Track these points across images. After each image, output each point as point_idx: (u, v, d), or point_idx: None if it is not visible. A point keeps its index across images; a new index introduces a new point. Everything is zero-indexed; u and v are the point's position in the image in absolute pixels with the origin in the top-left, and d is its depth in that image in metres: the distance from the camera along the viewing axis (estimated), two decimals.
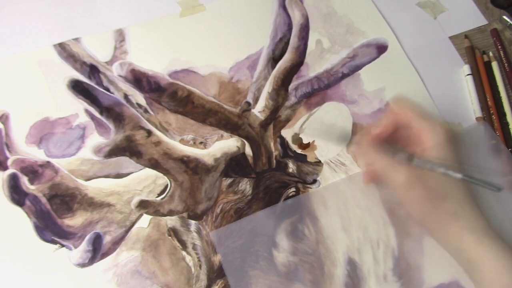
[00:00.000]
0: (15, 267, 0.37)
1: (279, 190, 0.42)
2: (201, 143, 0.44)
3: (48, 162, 0.40)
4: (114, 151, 0.38)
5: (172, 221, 0.40)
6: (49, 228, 0.38)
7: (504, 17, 0.55)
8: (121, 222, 0.39)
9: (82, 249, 0.38)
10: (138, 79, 0.41)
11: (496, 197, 0.43)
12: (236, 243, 0.39)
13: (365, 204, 0.43)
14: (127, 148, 0.39)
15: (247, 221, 0.40)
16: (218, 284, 0.38)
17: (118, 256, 0.38)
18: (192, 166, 0.40)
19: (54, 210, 0.38)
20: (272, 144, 0.44)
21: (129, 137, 0.39)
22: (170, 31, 0.49)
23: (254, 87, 0.47)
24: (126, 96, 0.43)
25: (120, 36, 0.47)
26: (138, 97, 0.44)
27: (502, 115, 0.49)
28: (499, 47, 0.53)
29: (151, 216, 0.40)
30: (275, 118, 0.45)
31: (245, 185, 0.42)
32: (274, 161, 0.44)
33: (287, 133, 0.45)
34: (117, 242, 0.39)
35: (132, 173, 0.41)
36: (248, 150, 0.43)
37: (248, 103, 0.44)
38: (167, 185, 0.40)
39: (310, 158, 0.44)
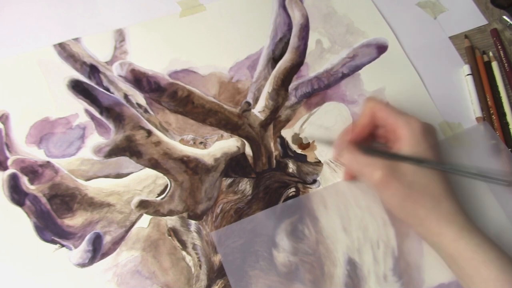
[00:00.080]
0: (15, 267, 0.37)
1: (279, 190, 0.42)
2: (201, 143, 0.44)
3: (48, 162, 0.40)
4: (114, 151, 0.38)
5: (172, 221, 0.40)
6: (49, 228, 0.38)
7: (504, 17, 0.55)
8: (121, 222, 0.39)
9: (82, 249, 0.38)
10: (138, 79, 0.41)
11: (477, 189, 0.44)
12: (236, 243, 0.39)
13: (365, 204, 0.43)
14: (127, 148, 0.39)
15: (247, 221, 0.40)
16: (218, 284, 0.38)
17: (118, 256, 0.38)
18: (192, 166, 0.40)
19: (54, 210, 0.38)
20: (272, 144, 0.44)
21: (129, 137, 0.39)
22: (170, 31, 0.49)
23: (254, 87, 0.47)
24: (126, 96, 0.43)
25: (120, 36, 0.47)
26: (138, 97, 0.44)
27: (502, 115, 0.49)
28: (499, 47, 0.53)
29: (151, 216, 0.40)
30: (275, 118, 0.45)
31: (245, 185, 0.42)
32: (274, 161, 0.44)
33: (287, 133, 0.45)
34: (117, 242, 0.39)
35: (132, 173, 0.41)
36: (248, 150, 0.43)
37: (248, 103, 0.44)
38: (167, 185, 0.40)
39: (310, 158, 0.44)
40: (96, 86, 0.42)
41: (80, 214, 0.39)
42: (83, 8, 0.49)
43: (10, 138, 0.41)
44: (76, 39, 0.46)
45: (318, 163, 0.44)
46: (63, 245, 0.38)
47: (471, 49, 0.52)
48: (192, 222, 0.40)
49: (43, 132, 0.42)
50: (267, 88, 0.45)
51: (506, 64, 0.52)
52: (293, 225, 0.41)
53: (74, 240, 0.38)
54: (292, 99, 0.46)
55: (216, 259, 0.39)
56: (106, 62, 0.45)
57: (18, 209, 0.38)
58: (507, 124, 0.49)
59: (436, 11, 0.55)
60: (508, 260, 0.34)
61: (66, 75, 0.43)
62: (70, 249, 0.38)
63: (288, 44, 0.48)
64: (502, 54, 0.53)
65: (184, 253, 0.39)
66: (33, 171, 0.39)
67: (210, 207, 0.41)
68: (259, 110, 0.44)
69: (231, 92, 0.46)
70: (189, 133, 0.44)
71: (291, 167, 0.44)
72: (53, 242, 0.38)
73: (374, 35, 0.52)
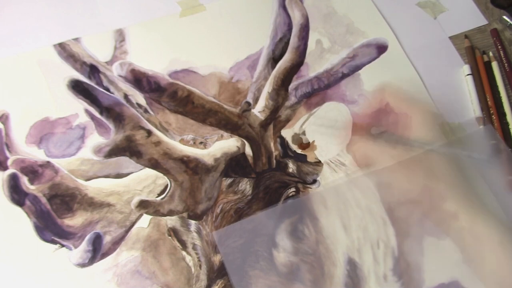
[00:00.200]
0: (15, 267, 0.37)
1: (279, 190, 0.42)
2: (201, 143, 0.44)
3: (48, 162, 0.39)
4: (114, 151, 0.38)
5: (172, 221, 0.40)
6: (49, 228, 0.38)
7: (504, 17, 0.55)
8: (121, 222, 0.39)
9: (82, 249, 0.38)
10: (138, 79, 0.41)
11: (490, 189, 0.44)
12: (236, 243, 0.39)
13: (365, 204, 0.43)
14: (127, 148, 0.39)
15: (248, 221, 0.40)
16: (218, 284, 0.38)
17: (118, 256, 0.38)
18: (192, 166, 0.40)
19: (54, 210, 0.38)
20: (272, 144, 0.44)
21: (129, 137, 0.39)
22: (170, 31, 0.49)
23: (254, 87, 0.47)
24: (126, 96, 0.43)
25: (120, 36, 0.47)
26: (138, 97, 0.44)
27: (502, 115, 0.49)
28: (499, 47, 0.53)
29: (151, 216, 0.40)
30: (275, 118, 0.45)
31: (245, 185, 0.42)
32: (274, 161, 0.44)
33: (287, 133, 0.45)
34: (117, 242, 0.39)
35: (132, 173, 0.41)
36: (248, 150, 0.43)
37: (248, 103, 0.44)
38: (167, 185, 0.40)
39: (310, 158, 0.44)
40: (96, 86, 0.42)
41: (80, 214, 0.39)
42: (83, 8, 0.49)
43: (10, 138, 0.41)
44: (76, 39, 0.46)
45: (318, 163, 0.44)
46: (63, 245, 0.38)
47: (471, 49, 0.52)
48: (192, 222, 0.40)
49: (43, 132, 0.42)
50: (267, 88, 0.45)
51: (506, 64, 0.52)
52: (293, 225, 0.41)
53: (74, 240, 0.38)
54: (292, 99, 0.46)
55: (216, 259, 0.39)
56: (106, 62, 0.46)
57: (18, 209, 0.38)
58: (507, 124, 0.49)
59: (436, 11, 0.55)
60: None
61: (66, 75, 0.43)
62: (70, 249, 0.38)
63: (288, 44, 0.48)
64: (502, 54, 0.53)
65: (184, 253, 0.39)
66: (33, 171, 0.39)
67: (210, 207, 0.41)
68: (259, 110, 0.44)
69: (231, 92, 0.46)
70: (189, 133, 0.44)
71: (291, 167, 0.44)
72: (53, 242, 0.38)
73: (374, 35, 0.52)
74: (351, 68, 0.49)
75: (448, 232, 0.38)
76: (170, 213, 0.39)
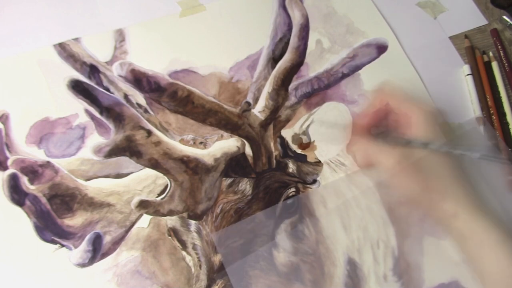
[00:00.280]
0: (15, 267, 0.37)
1: (279, 190, 0.42)
2: (201, 143, 0.44)
3: (48, 162, 0.39)
4: (114, 151, 0.38)
5: (172, 221, 0.40)
6: (49, 228, 0.38)
7: (504, 17, 0.55)
8: (121, 222, 0.39)
9: (82, 249, 0.37)
10: (138, 79, 0.41)
11: (490, 188, 0.44)
12: (236, 243, 0.39)
13: (365, 204, 0.43)
14: (127, 148, 0.39)
15: (247, 221, 0.40)
16: (218, 284, 0.38)
17: (118, 256, 0.38)
18: (192, 166, 0.40)
19: (54, 210, 0.38)
20: (272, 144, 0.44)
21: (129, 137, 0.39)
22: (170, 31, 0.49)
23: (254, 87, 0.47)
24: (126, 96, 0.43)
25: (120, 36, 0.47)
26: (138, 97, 0.44)
27: (502, 115, 0.49)
28: (499, 47, 0.53)
29: (151, 216, 0.40)
30: (275, 118, 0.45)
31: (245, 185, 0.42)
32: (274, 161, 0.44)
33: (287, 133, 0.45)
34: (117, 242, 0.39)
35: (132, 173, 0.41)
36: (248, 150, 0.43)
37: (248, 103, 0.44)
38: (167, 185, 0.40)
39: (310, 158, 0.44)
40: (96, 86, 0.42)
41: (80, 214, 0.39)
42: (83, 8, 0.49)
43: (10, 138, 0.41)
44: (76, 39, 0.46)
45: (318, 163, 0.44)
46: (63, 245, 0.38)
47: (471, 49, 0.52)
48: (192, 222, 0.40)
49: (43, 132, 0.42)
50: (267, 88, 0.45)
51: (506, 64, 0.52)
52: (293, 225, 0.41)
53: (74, 240, 0.38)
54: (292, 99, 0.46)
55: (216, 259, 0.39)
56: (106, 62, 0.45)
57: (18, 209, 0.38)
58: (507, 124, 0.49)
59: (436, 11, 0.55)
60: None
61: (66, 75, 0.43)
62: (70, 249, 0.38)
63: (288, 44, 0.48)
64: (502, 54, 0.53)
65: (184, 253, 0.39)
66: (33, 171, 0.39)
67: (210, 207, 0.41)
68: (259, 110, 0.44)
69: (231, 92, 0.46)
70: (189, 133, 0.44)
71: (291, 167, 0.44)
72: (53, 242, 0.38)
73: (374, 35, 0.52)
74: (351, 68, 0.49)
75: (448, 232, 0.38)
76: (170, 213, 0.39)
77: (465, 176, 0.38)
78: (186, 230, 0.40)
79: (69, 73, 0.44)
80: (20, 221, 0.38)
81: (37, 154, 0.41)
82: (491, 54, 0.53)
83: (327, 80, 0.48)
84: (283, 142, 0.45)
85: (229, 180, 0.42)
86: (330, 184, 0.43)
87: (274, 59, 0.48)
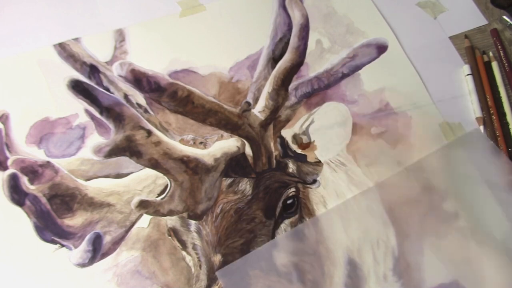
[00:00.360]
0: (15, 267, 0.37)
1: (279, 190, 0.42)
2: (201, 143, 0.44)
3: (48, 162, 0.39)
4: (114, 151, 0.38)
5: (172, 221, 0.40)
6: (49, 228, 0.38)
7: (504, 17, 0.55)
8: (121, 222, 0.39)
9: (82, 249, 0.37)
10: (138, 79, 0.41)
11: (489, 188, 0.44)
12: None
13: (365, 204, 0.43)
14: (127, 148, 0.39)
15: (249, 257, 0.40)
16: (218, 284, 0.38)
17: (118, 256, 0.38)
18: (192, 166, 0.40)
19: (54, 210, 0.38)
20: (272, 144, 0.44)
21: (129, 137, 0.39)
22: (170, 31, 0.49)
23: (254, 87, 0.47)
24: (126, 96, 0.43)
25: (120, 36, 0.47)
26: (138, 97, 0.44)
27: (502, 115, 0.49)
28: (499, 47, 0.53)
29: (151, 216, 0.40)
30: (275, 118, 0.45)
31: (245, 185, 0.42)
32: (274, 161, 0.44)
33: (287, 133, 0.45)
34: (117, 242, 0.39)
35: (132, 173, 0.41)
36: (248, 150, 0.43)
37: (248, 103, 0.44)
38: (167, 185, 0.40)
39: (310, 158, 0.44)
40: (96, 86, 0.41)
41: (80, 214, 0.39)
42: (83, 8, 0.49)
43: (10, 138, 0.41)
44: (76, 39, 0.46)
45: (318, 163, 0.44)
46: (63, 245, 0.38)
47: (471, 49, 0.52)
48: (192, 222, 0.40)
49: (43, 132, 0.42)
50: (267, 88, 0.45)
51: (506, 64, 0.52)
52: (293, 225, 0.41)
53: (74, 240, 0.38)
54: (292, 99, 0.46)
55: (216, 259, 0.39)
56: (106, 62, 0.45)
57: (18, 209, 0.38)
58: (507, 124, 0.49)
59: (436, 11, 0.55)
60: None
61: (66, 75, 0.43)
62: (70, 249, 0.38)
63: (288, 44, 0.48)
64: (502, 54, 0.53)
65: (184, 253, 0.39)
66: (33, 171, 0.39)
67: (210, 207, 0.41)
68: (259, 110, 0.44)
69: (231, 92, 0.46)
70: (189, 133, 0.44)
71: (291, 167, 0.44)
72: (53, 242, 0.38)
73: (374, 35, 0.52)
74: (351, 68, 0.49)
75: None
76: (170, 213, 0.39)
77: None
78: (186, 230, 0.40)
79: (69, 73, 0.44)
80: (20, 221, 0.38)
81: (37, 154, 0.41)
82: (491, 54, 0.53)
83: (327, 80, 0.48)
84: (283, 142, 0.45)
85: (229, 180, 0.42)
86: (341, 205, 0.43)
87: (274, 59, 0.48)
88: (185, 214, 0.40)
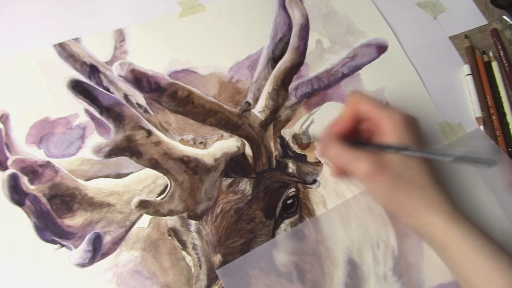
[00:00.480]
0: (15, 267, 0.37)
1: (279, 190, 0.42)
2: (201, 143, 0.44)
3: (48, 162, 0.40)
4: (114, 151, 0.38)
5: (172, 221, 0.40)
6: (49, 228, 0.38)
7: (504, 17, 0.55)
8: (121, 222, 0.39)
9: (82, 249, 0.38)
10: (138, 79, 0.41)
11: (489, 187, 0.44)
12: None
13: (365, 204, 0.43)
14: (127, 148, 0.39)
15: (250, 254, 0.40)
16: (218, 284, 0.38)
17: (118, 256, 0.38)
18: (192, 166, 0.40)
19: (54, 210, 0.38)
20: (272, 144, 0.44)
21: (129, 137, 0.39)
22: (170, 31, 0.49)
23: (254, 87, 0.47)
24: (126, 96, 0.43)
25: (120, 36, 0.47)
26: (138, 97, 0.44)
27: (502, 115, 0.49)
28: (499, 47, 0.53)
29: (151, 216, 0.40)
30: (275, 118, 0.45)
31: (245, 185, 0.42)
32: (274, 161, 0.44)
33: (287, 133, 0.45)
34: (117, 242, 0.39)
35: (132, 173, 0.41)
36: (248, 150, 0.43)
37: (248, 103, 0.44)
38: (167, 185, 0.40)
39: (310, 158, 0.44)
40: (96, 86, 0.42)
41: (80, 214, 0.39)
42: (83, 8, 0.49)
43: (10, 138, 0.41)
44: (76, 39, 0.46)
45: (318, 163, 0.44)
46: (63, 245, 0.38)
47: (471, 49, 0.53)
48: (192, 222, 0.40)
49: (43, 132, 0.42)
50: (267, 88, 0.45)
51: (506, 64, 0.52)
52: (293, 225, 0.41)
53: (74, 240, 0.38)
54: (292, 99, 0.46)
55: (216, 259, 0.39)
56: (106, 62, 0.45)
57: (18, 209, 0.38)
58: (507, 124, 0.49)
59: (436, 11, 0.55)
60: (496, 247, 0.34)
61: (66, 75, 0.43)
62: (70, 249, 0.38)
63: (288, 44, 0.48)
64: (502, 54, 0.53)
65: (184, 253, 0.39)
66: (33, 171, 0.39)
67: (210, 207, 0.41)
68: (259, 110, 0.44)
69: (231, 92, 0.46)
70: (189, 133, 0.44)
71: (291, 167, 0.44)
72: (53, 242, 0.38)
73: (374, 35, 0.52)
74: (351, 68, 0.49)
75: (425, 240, 0.38)
76: (170, 213, 0.39)
77: (441, 182, 0.37)
78: (186, 230, 0.40)
79: (69, 73, 0.44)
80: (20, 221, 0.38)
81: (37, 154, 0.41)
82: (491, 54, 0.53)
83: (327, 80, 0.48)
84: (283, 142, 0.45)
85: (229, 180, 0.42)
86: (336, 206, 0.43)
87: (274, 59, 0.48)
88: (185, 214, 0.40)
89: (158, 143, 0.40)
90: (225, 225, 0.40)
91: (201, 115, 0.43)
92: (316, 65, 0.49)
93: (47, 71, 0.45)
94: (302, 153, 0.45)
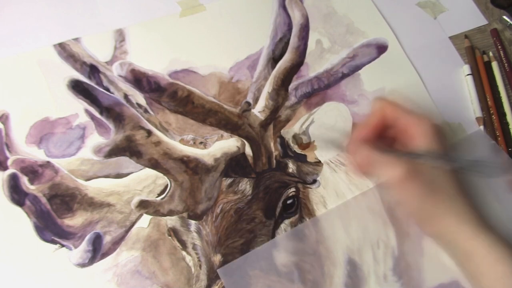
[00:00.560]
0: (15, 267, 0.37)
1: (279, 190, 0.42)
2: (201, 143, 0.44)
3: (48, 162, 0.40)
4: (114, 151, 0.38)
5: (172, 221, 0.40)
6: (49, 228, 0.38)
7: (504, 17, 0.55)
8: (121, 222, 0.39)
9: (82, 249, 0.38)
10: (138, 79, 0.41)
11: (490, 188, 0.44)
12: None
13: (365, 204, 0.43)
14: (127, 148, 0.39)
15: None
16: (218, 284, 0.38)
17: (118, 256, 0.38)
18: (192, 166, 0.40)
19: (54, 210, 0.38)
20: (272, 144, 0.44)
21: (129, 137, 0.39)
22: (170, 31, 0.49)
23: (254, 87, 0.47)
24: (126, 96, 0.43)
25: (120, 36, 0.47)
26: (138, 97, 0.44)
27: (502, 115, 0.49)
28: (499, 47, 0.53)
29: (151, 216, 0.40)
30: (275, 118, 0.45)
31: (245, 185, 0.42)
32: (274, 161, 0.44)
33: (287, 133, 0.45)
34: (117, 242, 0.39)
35: (132, 173, 0.41)
36: (248, 150, 0.43)
37: (248, 103, 0.44)
38: (167, 185, 0.40)
39: (310, 158, 0.44)
40: (96, 86, 0.42)
41: (80, 214, 0.39)
42: (83, 8, 0.49)
43: (10, 138, 0.41)
44: (76, 39, 0.46)
45: (318, 163, 0.44)
46: (63, 245, 0.38)
47: (471, 49, 0.53)
48: (192, 222, 0.40)
49: (43, 132, 0.42)
50: (267, 88, 0.45)
51: (506, 64, 0.52)
52: (293, 225, 0.41)
53: (74, 240, 0.38)
54: (292, 99, 0.46)
55: (216, 259, 0.39)
56: (106, 62, 0.45)
57: (18, 209, 0.38)
58: (507, 124, 0.49)
59: (436, 11, 0.55)
60: None
61: (66, 75, 0.43)
62: (70, 249, 0.38)
63: (288, 44, 0.48)
64: (502, 54, 0.53)
65: (184, 253, 0.39)
66: (33, 171, 0.39)
67: (210, 207, 0.41)
68: (259, 110, 0.44)
69: (231, 92, 0.46)
70: (189, 133, 0.44)
71: (291, 167, 0.44)
72: (53, 242, 0.38)
73: (374, 35, 0.52)
74: (351, 68, 0.49)
75: (449, 248, 0.38)
76: (170, 213, 0.39)
77: (466, 191, 0.37)
78: (186, 230, 0.40)
79: (69, 73, 0.44)
80: (20, 221, 0.38)
81: (37, 154, 0.41)
82: (491, 54, 0.53)
83: (327, 80, 0.48)
84: (283, 142, 0.45)
85: (229, 180, 0.42)
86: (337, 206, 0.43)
87: (274, 59, 0.48)
88: (185, 214, 0.40)
89: (158, 143, 0.40)
90: (225, 225, 0.40)
91: (201, 115, 0.43)
92: (316, 65, 0.49)
93: (47, 71, 0.45)
94: (302, 153, 0.45)
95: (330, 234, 0.41)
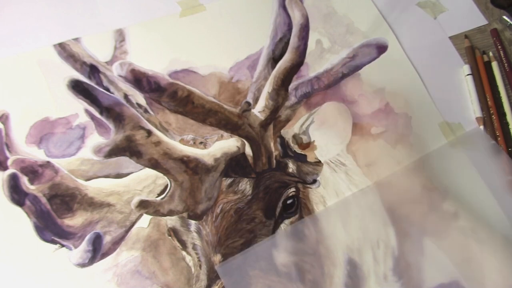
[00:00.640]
0: (15, 267, 0.37)
1: (279, 190, 0.42)
2: (201, 143, 0.44)
3: (48, 162, 0.39)
4: (114, 151, 0.38)
5: (172, 221, 0.40)
6: (49, 228, 0.38)
7: (504, 17, 0.55)
8: (121, 222, 0.39)
9: (82, 249, 0.38)
10: (138, 79, 0.41)
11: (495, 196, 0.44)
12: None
13: (365, 204, 0.43)
14: (127, 148, 0.39)
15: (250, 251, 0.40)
16: (218, 284, 0.38)
17: (118, 256, 0.38)
18: (192, 166, 0.40)
19: (54, 210, 0.38)
20: (272, 144, 0.44)
21: (129, 137, 0.39)
22: (170, 31, 0.49)
23: (254, 87, 0.47)
24: (126, 96, 0.43)
25: (120, 36, 0.47)
26: (138, 97, 0.44)
27: (502, 115, 0.49)
28: (499, 47, 0.53)
29: (151, 216, 0.40)
30: (275, 118, 0.45)
31: (245, 185, 0.42)
32: (274, 161, 0.44)
33: (287, 133, 0.45)
34: (117, 242, 0.39)
35: (132, 173, 0.41)
36: (248, 150, 0.43)
37: (248, 103, 0.44)
38: (167, 185, 0.40)
39: (310, 158, 0.44)
40: (96, 86, 0.41)
41: (80, 214, 0.39)
42: (83, 8, 0.49)
43: (10, 138, 0.41)
44: (76, 39, 0.46)
45: (318, 163, 0.44)
46: (63, 245, 0.38)
47: (471, 49, 0.52)
48: (192, 222, 0.40)
49: (43, 132, 0.42)
50: (267, 88, 0.45)
51: (506, 64, 0.52)
52: (293, 225, 0.41)
53: (74, 240, 0.38)
54: (292, 99, 0.46)
55: (216, 259, 0.39)
56: (106, 62, 0.45)
57: (18, 209, 0.38)
58: (507, 124, 0.49)
59: (436, 11, 0.55)
60: None
61: (66, 75, 0.43)
62: (70, 249, 0.38)
63: (288, 44, 0.48)
64: (502, 54, 0.53)
65: (184, 253, 0.39)
66: (33, 171, 0.39)
67: (210, 207, 0.41)
68: (259, 110, 0.44)
69: (231, 92, 0.46)
70: (189, 133, 0.44)
71: (291, 167, 0.44)
72: (53, 242, 0.38)
73: (374, 35, 0.52)
74: (351, 68, 0.49)
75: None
76: (170, 213, 0.39)
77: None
78: (186, 230, 0.40)
79: (69, 73, 0.44)
80: (20, 221, 0.38)
81: (37, 154, 0.41)
82: (491, 54, 0.53)
83: (327, 80, 0.48)
84: (283, 142, 0.45)
85: (229, 180, 0.42)
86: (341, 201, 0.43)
87: (274, 59, 0.48)
88: (185, 214, 0.40)
89: (158, 143, 0.40)
90: (225, 225, 0.40)
91: (201, 115, 0.43)
92: (316, 65, 0.49)
93: (47, 71, 0.45)
94: (302, 153, 0.45)
95: (330, 233, 0.41)
